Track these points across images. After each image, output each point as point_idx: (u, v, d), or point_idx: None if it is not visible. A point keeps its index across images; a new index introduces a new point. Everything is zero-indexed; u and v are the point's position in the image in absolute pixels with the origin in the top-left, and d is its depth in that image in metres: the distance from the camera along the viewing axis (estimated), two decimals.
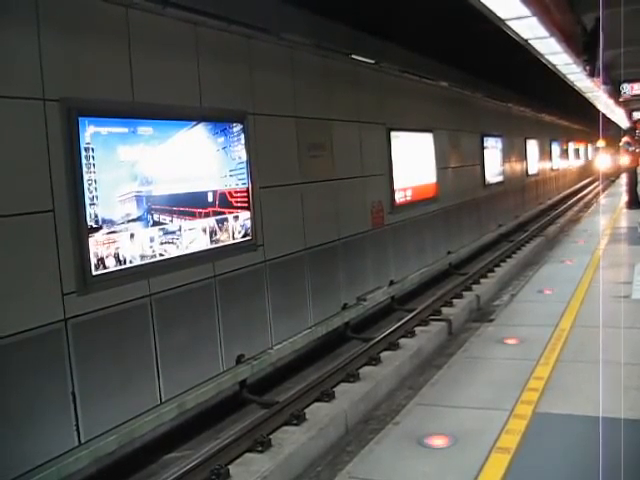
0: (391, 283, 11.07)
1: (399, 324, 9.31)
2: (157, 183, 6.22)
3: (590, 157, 46.08)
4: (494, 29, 7.79)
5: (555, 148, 30.11)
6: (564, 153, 33.29)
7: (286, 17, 7.90)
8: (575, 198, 32.28)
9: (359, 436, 6.34)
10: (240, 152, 7.40)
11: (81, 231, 5.43)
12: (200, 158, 6.84)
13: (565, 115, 30.28)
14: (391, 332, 8.96)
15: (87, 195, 5.47)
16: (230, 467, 5.42)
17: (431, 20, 11.00)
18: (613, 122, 28.01)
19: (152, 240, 6.16)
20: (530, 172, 24.09)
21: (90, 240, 5.50)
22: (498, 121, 19.84)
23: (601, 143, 36.38)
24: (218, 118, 7.11)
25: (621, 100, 14.52)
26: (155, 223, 6.19)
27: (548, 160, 28.57)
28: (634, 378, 5.25)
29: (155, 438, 6.13)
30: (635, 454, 3.95)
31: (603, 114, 22.36)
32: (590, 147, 44.90)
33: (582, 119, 34.02)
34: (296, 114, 8.68)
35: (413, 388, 7.23)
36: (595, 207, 23.43)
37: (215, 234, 6.97)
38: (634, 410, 4.63)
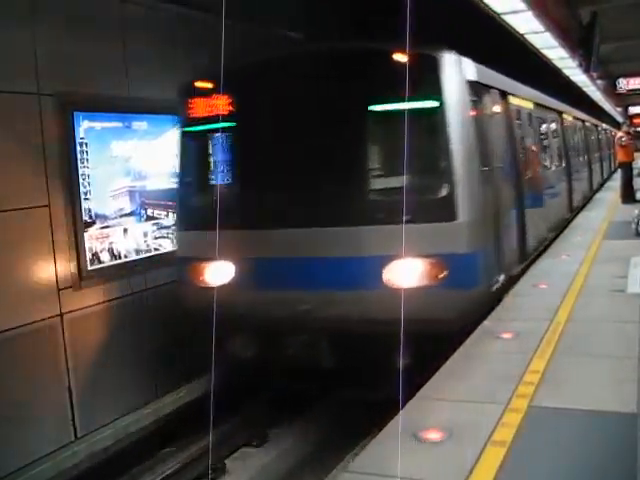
0: None
1: None
2: (151, 178, 6.20)
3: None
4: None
5: None
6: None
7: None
8: None
9: None
10: None
11: (76, 226, 5.42)
12: None
13: None
14: None
15: (81, 190, 5.45)
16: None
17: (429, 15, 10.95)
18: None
19: (146, 235, 6.14)
20: None
21: (84, 235, 5.48)
22: None
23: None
24: None
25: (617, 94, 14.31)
26: (149, 218, 6.17)
27: None
28: (628, 372, 5.25)
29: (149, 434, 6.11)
30: (629, 448, 3.96)
31: None
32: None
33: None
34: None
35: None
36: None
37: None
38: (628, 404, 4.64)
